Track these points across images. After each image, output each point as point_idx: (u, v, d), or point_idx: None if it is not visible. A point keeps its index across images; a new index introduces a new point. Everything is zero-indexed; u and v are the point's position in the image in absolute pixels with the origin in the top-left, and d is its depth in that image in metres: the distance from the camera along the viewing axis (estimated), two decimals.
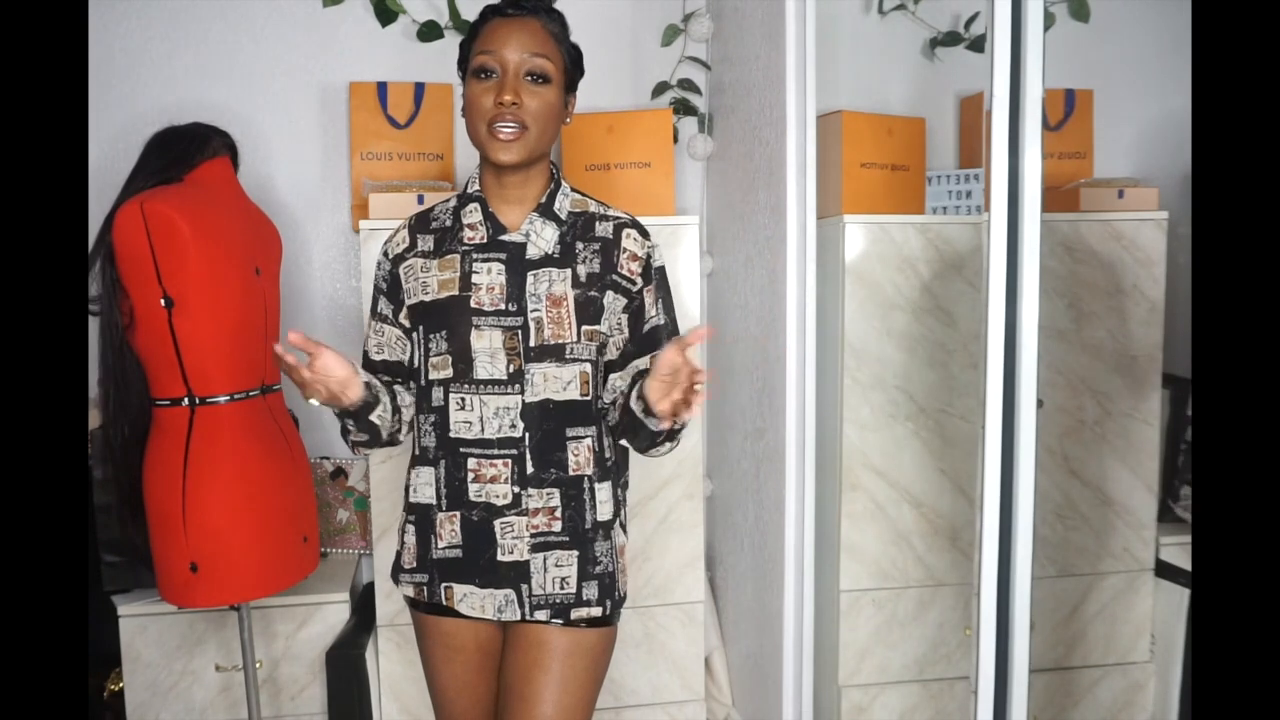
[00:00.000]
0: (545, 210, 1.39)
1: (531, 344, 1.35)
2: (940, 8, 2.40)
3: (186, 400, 1.71)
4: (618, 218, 1.42)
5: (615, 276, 1.39)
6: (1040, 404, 1.40)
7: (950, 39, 2.38)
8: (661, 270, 1.44)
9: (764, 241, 2.08)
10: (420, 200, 2.09)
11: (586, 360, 1.38)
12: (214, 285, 1.71)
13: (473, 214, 1.40)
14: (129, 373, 1.73)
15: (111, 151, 2.23)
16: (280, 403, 1.94)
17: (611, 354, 1.42)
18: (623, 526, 1.49)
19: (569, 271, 1.37)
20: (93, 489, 1.98)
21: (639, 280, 1.40)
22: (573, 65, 1.39)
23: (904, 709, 2.13)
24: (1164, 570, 2.17)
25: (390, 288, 1.44)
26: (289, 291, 2.24)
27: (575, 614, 1.39)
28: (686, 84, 2.45)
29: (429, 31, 2.31)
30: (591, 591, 1.41)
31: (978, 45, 2.33)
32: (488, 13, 1.37)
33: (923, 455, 2.08)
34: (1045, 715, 2.16)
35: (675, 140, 2.40)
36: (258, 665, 1.99)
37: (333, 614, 2.15)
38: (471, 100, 1.34)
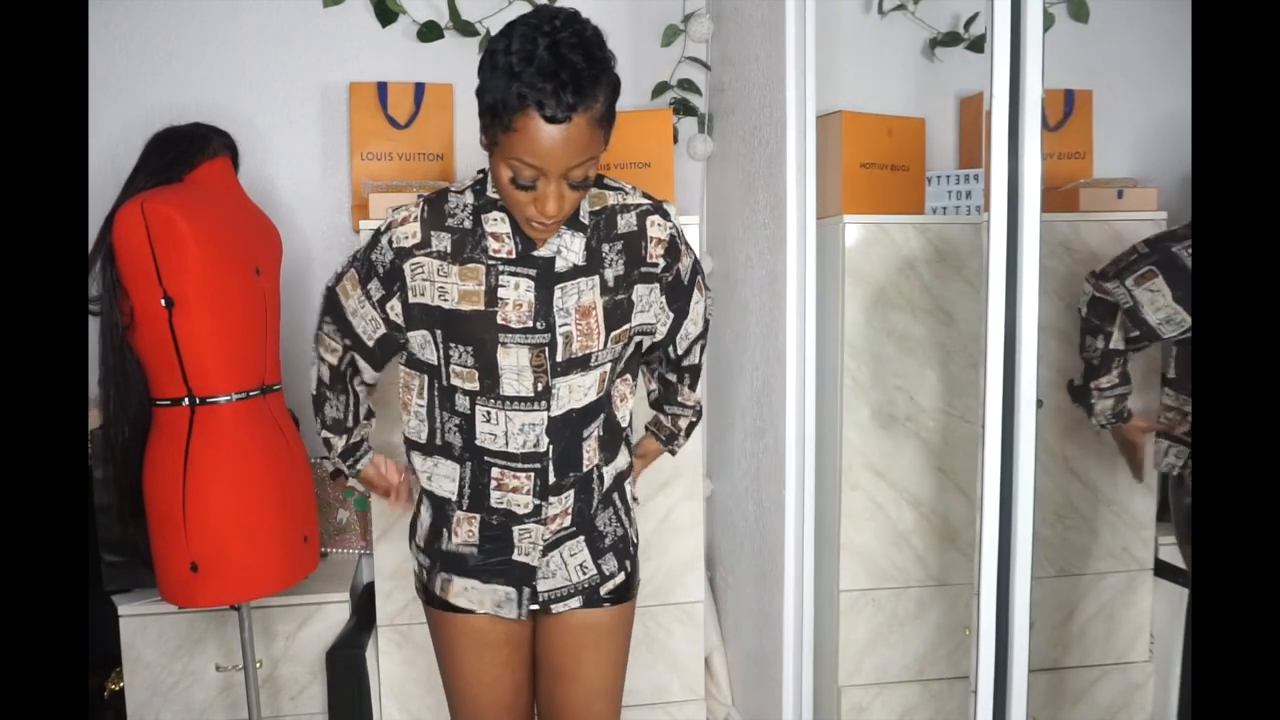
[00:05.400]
0: (572, 221, 1.32)
1: (559, 359, 1.33)
2: (940, 8, 2.40)
3: (187, 400, 1.71)
4: (639, 205, 1.38)
5: (644, 269, 1.37)
6: (1040, 404, 1.40)
7: (950, 39, 2.38)
8: (690, 251, 1.44)
9: (764, 241, 2.08)
10: None
11: (608, 362, 1.39)
12: (214, 285, 1.71)
13: (497, 224, 1.31)
14: (129, 373, 1.73)
15: (111, 151, 2.23)
16: (280, 403, 1.94)
17: (659, 334, 1.47)
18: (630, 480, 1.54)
19: (597, 278, 1.34)
20: (93, 489, 1.98)
21: (663, 260, 1.39)
22: (612, 115, 1.23)
23: (904, 709, 2.13)
24: (1163, 570, 2.17)
25: (387, 276, 1.34)
26: (289, 291, 2.24)
27: (604, 590, 1.46)
28: (686, 84, 2.45)
29: (429, 32, 2.31)
30: (610, 564, 1.46)
31: (978, 45, 2.33)
32: (530, 110, 1.14)
33: (923, 455, 2.08)
34: (1044, 715, 2.16)
35: (675, 140, 2.40)
36: (258, 665, 1.99)
37: (333, 614, 2.15)
38: (506, 193, 1.24)
